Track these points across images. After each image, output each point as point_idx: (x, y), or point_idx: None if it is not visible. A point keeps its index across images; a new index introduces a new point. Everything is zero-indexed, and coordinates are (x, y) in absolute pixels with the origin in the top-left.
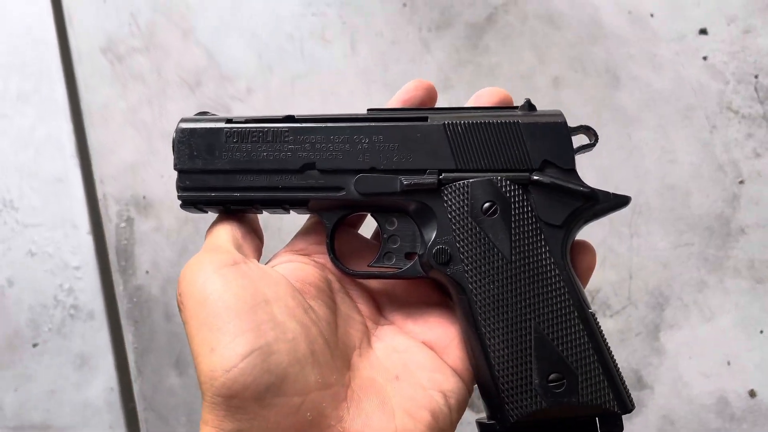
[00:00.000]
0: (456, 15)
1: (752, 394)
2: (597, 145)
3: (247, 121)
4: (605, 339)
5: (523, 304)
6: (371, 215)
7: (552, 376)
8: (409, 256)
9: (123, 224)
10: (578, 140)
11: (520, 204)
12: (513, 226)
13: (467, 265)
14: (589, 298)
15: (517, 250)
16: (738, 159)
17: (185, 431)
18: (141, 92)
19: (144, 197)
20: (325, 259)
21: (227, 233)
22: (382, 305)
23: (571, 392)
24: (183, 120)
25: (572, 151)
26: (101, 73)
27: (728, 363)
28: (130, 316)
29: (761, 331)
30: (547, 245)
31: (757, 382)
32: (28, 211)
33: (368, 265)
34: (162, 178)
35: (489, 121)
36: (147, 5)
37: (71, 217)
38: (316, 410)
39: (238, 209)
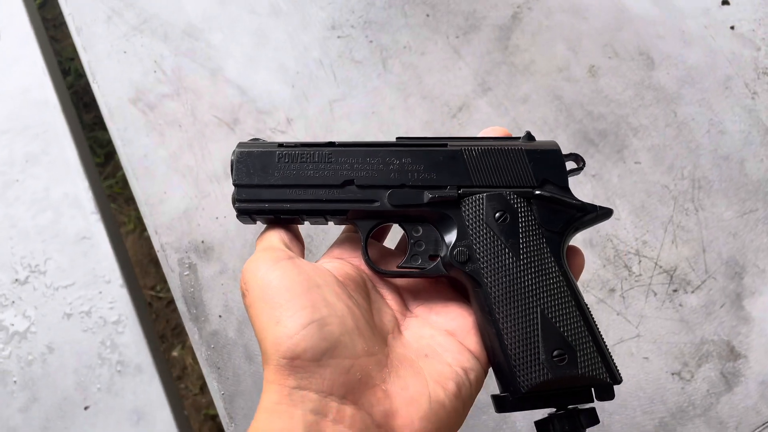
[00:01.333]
0: (481, 18)
1: None
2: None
3: (296, 145)
4: (596, 323)
5: (530, 293)
6: (399, 225)
7: (556, 352)
8: (432, 257)
9: (186, 272)
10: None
11: (526, 214)
12: (520, 231)
13: (483, 264)
14: (668, 277)
15: (524, 250)
16: None
17: None
18: (180, 138)
19: (203, 242)
20: (359, 262)
21: (277, 236)
22: (407, 301)
23: (571, 365)
24: (240, 144)
25: (566, 173)
26: (135, 124)
27: None
28: (211, 363)
29: None
30: (548, 247)
31: None
32: (56, 273)
33: (398, 266)
34: (217, 219)
35: (498, 148)
36: (169, 50)
37: (102, 273)
38: (364, 371)
39: (286, 218)
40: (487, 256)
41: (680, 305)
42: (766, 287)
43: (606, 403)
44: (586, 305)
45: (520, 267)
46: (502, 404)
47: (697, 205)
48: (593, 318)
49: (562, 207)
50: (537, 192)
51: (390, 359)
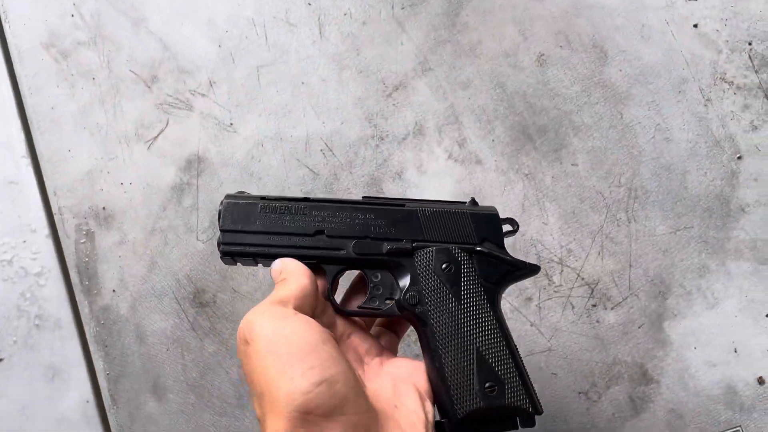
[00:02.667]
0: None
1: (761, 381)
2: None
3: (276, 199)
4: (522, 359)
5: (468, 333)
6: (361, 270)
7: (487, 384)
8: (388, 300)
9: (83, 240)
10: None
11: (468, 266)
12: (462, 280)
13: (430, 307)
14: (588, 291)
15: (465, 297)
16: (735, 133)
17: None
18: (92, 91)
19: (104, 208)
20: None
21: (297, 288)
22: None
23: (500, 396)
24: (228, 195)
25: (502, 234)
26: (46, 72)
27: (735, 350)
28: (99, 340)
29: (767, 315)
30: (485, 295)
31: (765, 368)
32: None
33: (358, 307)
34: (122, 185)
35: (447, 210)
36: None
37: (28, 221)
38: (366, 426)
39: (264, 261)
40: (433, 301)
41: (597, 321)
42: (690, 311)
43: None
44: (515, 345)
45: (460, 310)
46: (440, 429)
47: (631, 216)
48: (520, 356)
49: (498, 262)
50: (477, 248)
51: (377, 413)
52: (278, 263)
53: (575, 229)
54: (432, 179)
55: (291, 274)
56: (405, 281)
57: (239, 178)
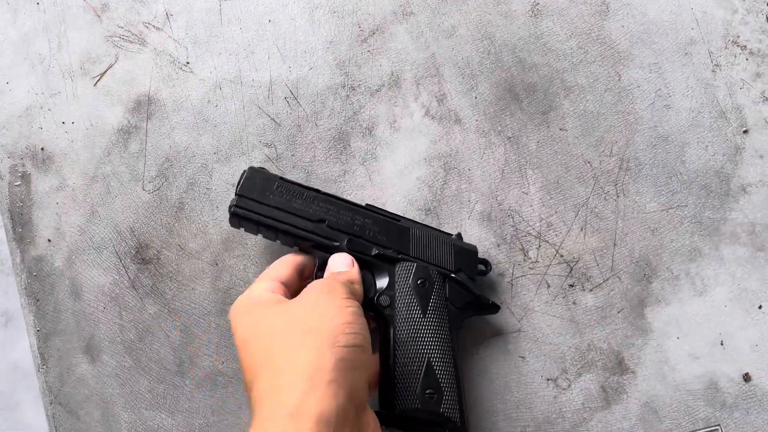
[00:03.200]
0: None
1: (747, 378)
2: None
3: (292, 183)
4: (463, 384)
5: (425, 343)
6: None
7: (428, 391)
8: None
9: (18, 182)
10: None
11: (439, 287)
12: (432, 298)
13: (398, 312)
14: (567, 269)
15: (430, 311)
16: (743, 104)
17: (101, 428)
18: (36, 18)
19: (42, 149)
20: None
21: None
22: None
23: (437, 404)
24: (251, 167)
25: (476, 270)
26: None
27: (721, 343)
28: (30, 293)
29: (760, 307)
30: (447, 316)
31: (752, 364)
32: None
33: None
34: (63, 125)
35: (436, 235)
36: None
37: None
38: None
39: (266, 233)
40: (402, 307)
41: (573, 303)
42: (675, 297)
43: (468, 403)
44: (461, 369)
45: (423, 322)
46: (380, 419)
47: (620, 189)
48: (462, 380)
49: (465, 292)
50: (452, 275)
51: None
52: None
53: (558, 201)
54: (405, 138)
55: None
56: (382, 284)
57: (193, 124)
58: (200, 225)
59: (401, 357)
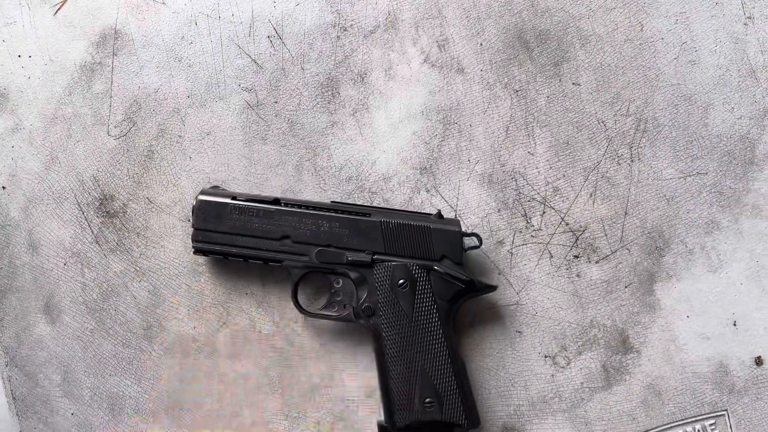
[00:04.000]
0: None
1: (758, 361)
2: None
3: (246, 200)
4: (467, 372)
5: (416, 349)
6: (324, 275)
7: (427, 400)
8: (347, 306)
9: None
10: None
11: (423, 283)
12: (416, 298)
13: (383, 320)
14: (572, 239)
15: (417, 314)
16: None
17: (60, 393)
18: None
19: None
20: None
21: None
22: None
23: (437, 412)
24: (202, 192)
25: (461, 251)
26: None
27: (734, 324)
28: None
29: None
30: (437, 312)
31: (766, 347)
32: None
33: (318, 309)
34: (19, 59)
35: (410, 224)
36: None
37: None
38: None
39: (234, 259)
40: (386, 314)
41: (578, 276)
42: (688, 273)
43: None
44: (462, 362)
45: (411, 327)
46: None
47: (635, 153)
48: (465, 372)
49: (453, 282)
50: (435, 267)
51: None
52: None
53: (566, 163)
54: (401, 87)
55: None
56: (364, 291)
57: (165, 63)
58: (171, 176)
59: (394, 368)
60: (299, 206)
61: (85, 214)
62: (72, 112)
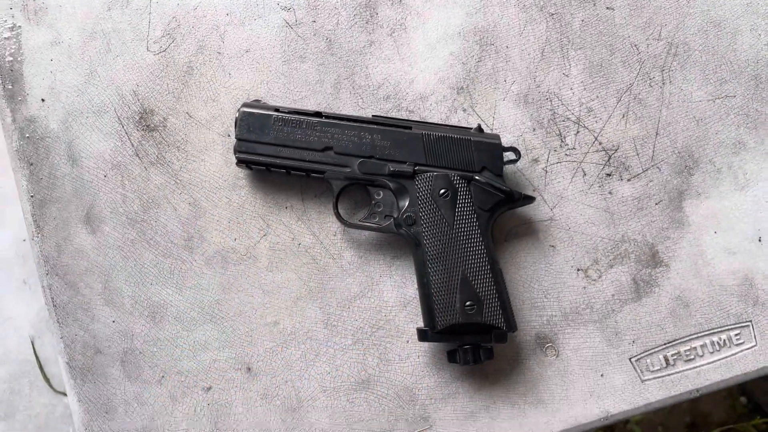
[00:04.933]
0: None
1: None
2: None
3: (289, 112)
4: (504, 280)
5: (457, 256)
6: (365, 187)
7: (468, 303)
8: (387, 217)
9: (7, 35)
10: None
11: (464, 193)
12: (457, 206)
13: (424, 228)
14: (605, 157)
15: (458, 222)
16: None
17: (101, 301)
18: None
19: None
20: None
21: None
22: None
23: (477, 314)
24: (244, 104)
25: (502, 163)
26: None
27: (759, 239)
28: (23, 156)
29: None
30: (477, 221)
31: None
32: None
33: (359, 220)
34: None
35: (451, 136)
36: None
37: None
38: None
39: (276, 171)
40: (428, 223)
41: (610, 193)
42: (716, 191)
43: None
44: (500, 269)
45: (452, 235)
46: (423, 335)
47: (666, 76)
48: (503, 279)
49: (493, 191)
50: (476, 177)
51: None
52: None
53: (600, 85)
54: (439, 8)
55: None
56: (404, 202)
57: None
58: (211, 92)
59: (435, 275)
60: (341, 119)
61: (125, 127)
62: (111, 27)
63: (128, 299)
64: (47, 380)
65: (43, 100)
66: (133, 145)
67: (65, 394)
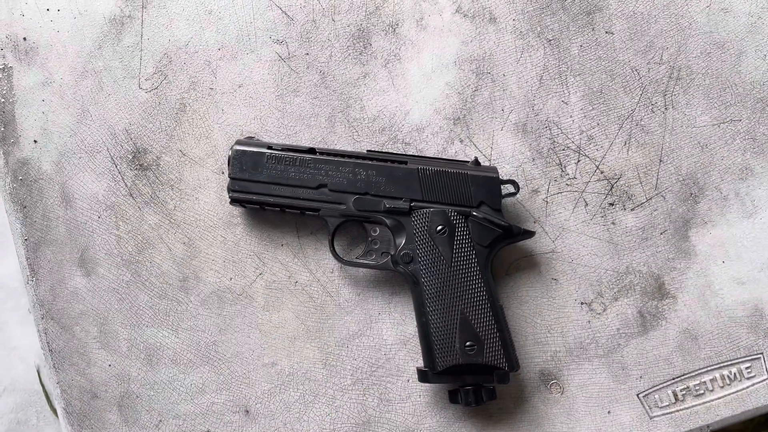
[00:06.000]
0: None
1: None
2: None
3: (282, 149)
4: (505, 317)
5: (456, 294)
6: (361, 224)
7: (468, 343)
8: (383, 255)
9: None
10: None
11: (462, 229)
12: (455, 243)
13: (422, 266)
14: (607, 186)
15: (456, 259)
16: None
17: (97, 345)
18: None
19: (25, 39)
20: None
21: None
22: None
23: (478, 354)
24: (237, 143)
25: (500, 197)
26: None
27: None
28: (16, 198)
29: None
30: (476, 258)
31: None
32: None
33: (356, 258)
34: (48, 12)
35: (447, 171)
36: None
37: None
38: None
39: (270, 209)
40: (425, 261)
41: (613, 223)
42: (723, 219)
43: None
44: (501, 306)
45: (450, 273)
46: (424, 376)
47: (669, 101)
48: (504, 317)
49: (492, 227)
50: (473, 213)
51: None
52: None
53: (600, 112)
54: (433, 38)
55: None
56: (401, 239)
57: (194, 15)
58: (204, 129)
59: (434, 313)
60: (335, 155)
61: (118, 167)
62: (102, 66)
63: (124, 342)
64: (54, 410)
65: (35, 141)
66: (126, 185)
67: None
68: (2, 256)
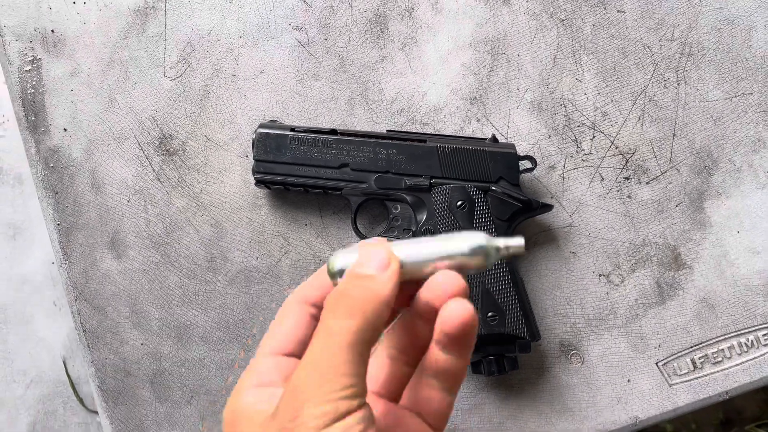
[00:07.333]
0: None
1: None
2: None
3: (305, 131)
4: (526, 289)
5: None
6: (382, 202)
7: (489, 314)
8: (405, 232)
9: (28, 68)
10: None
11: (481, 204)
12: (475, 218)
13: None
14: (622, 161)
15: None
16: None
17: (129, 324)
18: None
19: (53, 32)
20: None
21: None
22: None
23: (500, 325)
24: (261, 125)
25: (518, 173)
26: None
27: None
28: (48, 185)
29: None
30: (495, 232)
31: None
32: None
33: (378, 235)
34: (74, 5)
35: (466, 148)
36: None
37: None
38: None
39: (294, 189)
40: None
41: (629, 197)
42: (737, 190)
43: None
44: (521, 278)
45: None
46: None
47: (681, 76)
48: (525, 288)
49: (511, 201)
50: (492, 188)
51: None
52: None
53: (614, 88)
54: (448, 21)
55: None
56: (422, 215)
57: (216, 5)
58: (228, 114)
59: None
60: (357, 135)
61: (145, 152)
62: (128, 56)
63: (155, 321)
64: (80, 400)
65: (65, 129)
66: (154, 170)
67: (98, 413)
68: (26, 253)
